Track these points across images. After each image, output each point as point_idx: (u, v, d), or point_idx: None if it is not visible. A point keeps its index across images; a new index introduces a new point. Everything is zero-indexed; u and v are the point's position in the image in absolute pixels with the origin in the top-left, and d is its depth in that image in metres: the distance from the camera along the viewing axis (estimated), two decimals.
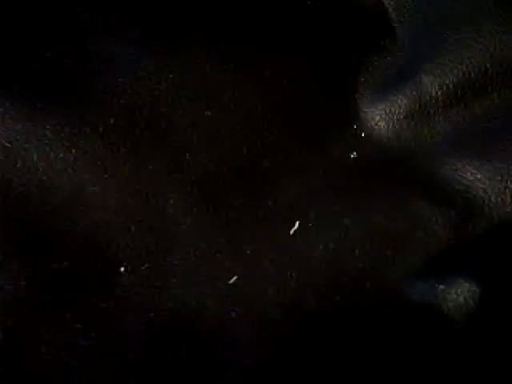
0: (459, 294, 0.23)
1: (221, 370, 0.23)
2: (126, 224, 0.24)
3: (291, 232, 0.25)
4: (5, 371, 0.22)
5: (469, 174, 0.25)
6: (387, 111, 0.27)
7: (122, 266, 0.24)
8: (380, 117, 0.27)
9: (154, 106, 0.26)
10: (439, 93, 0.27)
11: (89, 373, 0.23)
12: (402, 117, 0.27)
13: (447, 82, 0.27)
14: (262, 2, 0.28)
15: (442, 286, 0.23)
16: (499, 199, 0.25)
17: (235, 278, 0.24)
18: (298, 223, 0.25)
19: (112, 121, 0.26)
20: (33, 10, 0.27)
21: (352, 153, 0.27)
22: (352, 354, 0.23)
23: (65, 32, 0.26)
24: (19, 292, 0.23)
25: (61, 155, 0.25)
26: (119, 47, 0.27)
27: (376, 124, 0.27)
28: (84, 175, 0.25)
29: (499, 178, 0.25)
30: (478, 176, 0.25)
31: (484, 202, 0.25)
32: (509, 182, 0.25)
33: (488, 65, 0.27)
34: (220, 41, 0.28)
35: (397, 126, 0.27)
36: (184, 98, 0.27)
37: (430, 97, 0.27)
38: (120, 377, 0.23)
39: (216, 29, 0.28)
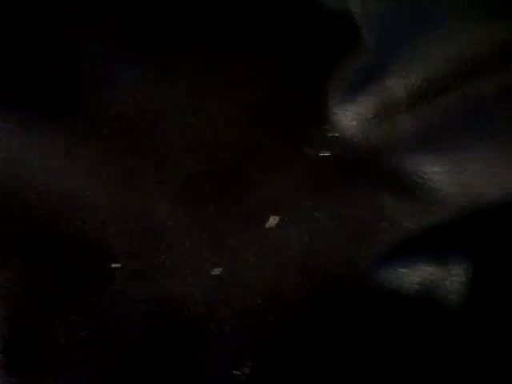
0: (418, 275, 0.25)
1: (207, 354, 0.25)
2: (118, 224, 0.26)
3: (268, 226, 0.27)
4: (13, 362, 0.24)
5: (427, 167, 0.27)
6: (356, 112, 0.29)
7: (116, 262, 0.26)
8: (350, 118, 0.29)
9: (141, 115, 0.28)
10: (403, 93, 0.28)
11: (90, 360, 0.24)
12: (369, 117, 0.28)
13: (410, 83, 0.28)
14: (239, 13, 0.30)
15: (403, 269, 0.25)
16: (454, 189, 0.26)
17: (219, 269, 0.26)
18: (274, 218, 0.27)
19: (103, 130, 0.27)
20: (30, 32, 0.28)
21: (324, 152, 0.28)
22: (327, 336, 0.25)
23: (59, 49, 0.28)
24: (22, 289, 0.25)
25: (57, 163, 0.27)
26: (109, 62, 0.28)
27: (346, 124, 0.29)
28: (78, 181, 0.27)
29: (454, 170, 0.26)
30: (435, 169, 0.27)
31: (441, 192, 0.27)
32: (462, 174, 0.26)
33: (446, 65, 0.28)
34: (201, 51, 0.29)
35: (365, 126, 0.28)
36: (169, 106, 0.28)
37: (395, 97, 0.28)
38: (119, 362, 0.25)
39: (197, 40, 0.29)
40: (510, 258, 0.24)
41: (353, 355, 0.25)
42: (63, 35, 0.29)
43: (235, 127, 0.29)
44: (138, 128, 0.28)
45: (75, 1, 0.30)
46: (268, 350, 0.25)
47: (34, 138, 0.27)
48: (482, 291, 0.24)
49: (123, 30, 0.29)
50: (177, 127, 0.28)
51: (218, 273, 0.26)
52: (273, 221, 0.27)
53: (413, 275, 0.25)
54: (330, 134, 0.29)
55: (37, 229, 0.26)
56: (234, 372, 0.24)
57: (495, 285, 0.24)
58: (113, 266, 0.26)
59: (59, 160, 0.27)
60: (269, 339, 0.25)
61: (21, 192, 0.26)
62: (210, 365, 0.25)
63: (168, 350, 0.25)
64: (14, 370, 0.24)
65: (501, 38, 0.27)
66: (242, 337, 0.25)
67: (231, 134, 0.28)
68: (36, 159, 0.26)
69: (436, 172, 0.27)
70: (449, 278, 0.24)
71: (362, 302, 0.25)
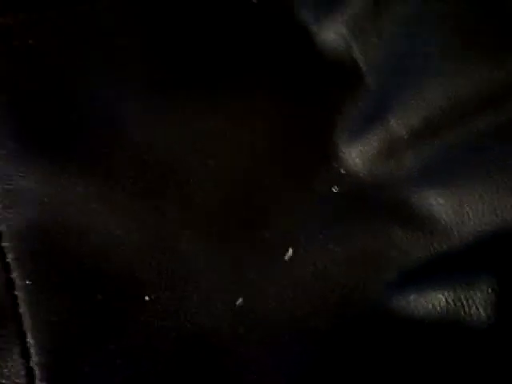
0: (428, 301, 0.26)
1: (236, 379, 0.26)
2: (147, 260, 0.28)
3: (286, 258, 0.28)
4: None
5: (432, 200, 0.29)
6: (362, 150, 0.30)
7: (147, 295, 0.27)
8: (356, 155, 0.30)
9: (163, 156, 0.30)
10: (404, 132, 0.30)
11: None
12: (374, 154, 0.30)
13: (411, 122, 0.29)
14: (245, 55, 0.32)
15: (413, 296, 0.26)
16: (459, 220, 0.28)
17: (240, 300, 0.28)
18: (291, 250, 0.29)
19: (130, 173, 0.29)
20: (60, 87, 0.30)
21: (334, 187, 0.30)
22: (342, 360, 0.27)
23: (86, 100, 0.30)
24: (63, 323, 0.26)
25: (91, 206, 0.28)
26: (130, 110, 0.30)
27: (353, 162, 0.30)
28: (111, 221, 0.28)
29: (458, 202, 0.28)
30: (440, 201, 0.28)
31: (446, 223, 0.28)
32: (466, 205, 0.28)
33: (444, 105, 0.29)
34: (214, 96, 0.31)
35: (370, 163, 0.30)
36: (189, 147, 0.30)
37: (397, 136, 0.30)
38: None
39: (210, 86, 0.31)
40: None
41: (368, 377, 0.26)
42: (84, 86, 0.30)
43: (251, 167, 0.30)
44: (159, 169, 0.29)
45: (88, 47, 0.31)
46: (290, 372, 0.26)
47: (69, 184, 0.28)
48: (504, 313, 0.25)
49: (140, 76, 0.31)
50: (196, 168, 0.30)
51: (241, 302, 0.27)
52: (289, 253, 0.29)
53: (420, 301, 0.26)
54: (339, 171, 0.31)
55: (76, 267, 0.27)
56: None
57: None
58: (145, 298, 0.27)
59: (95, 204, 0.28)
60: (290, 362, 0.27)
61: (61, 234, 0.27)
62: None
63: (199, 378, 0.26)
64: None
65: (495, 78, 0.29)
66: (265, 361, 0.26)
67: (247, 174, 0.30)
68: (73, 204, 0.28)
69: (439, 204, 0.28)
70: (463, 303, 0.26)
71: (374, 327, 0.27)
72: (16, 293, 0.27)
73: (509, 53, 0.29)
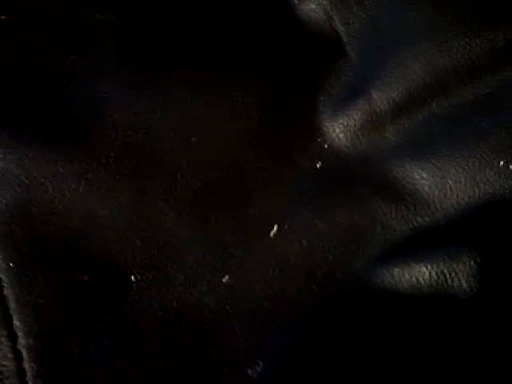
0: (412, 275, 0.26)
1: (222, 355, 0.26)
2: (132, 240, 0.27)
3: (271, 235, 0.28)
4: (46, 370, 0.25)
5: (415, 173, 0.28)
6: (345, 124, 0.30)
7: (132, 275, 0.27)
8: (339, 130, 0.30)
9: (146, 138, 0.29)
10: (387, 106, 0.29)
11: (114, 366, 0.26)
12: (357, 128, 0.30)
13: (393, 95, 0.29)
14: (228, 32, 0.31)
15: (397, 270, 0.26)
16: (441, 194, 0.28)
17: (227, 277, 0.27)
18: (276, 226, 0.28)
19: (113, 154, 0.29)
20: (40, 66, 0.29)
21: (317, 162, 0.30)
22: (330, 334, 0.27)
23: (65, 82, 0.29)
24: (49, 305, 0.26)
25: (73, 186, 0.28)
26: (113, 91, 0.29)
27: (336, 136, 0.30)
28: (94, 201, 0.28)
29: (437, 175, 0.28)
30: (423, 174, 0.28)
31: (429, 196, 0.28)
32: (448, 179, 0.28)
33: (426, 78, 0.29)
34: (196, 76, 0.30)
35: (353, 137, 0.30)
36: (171, 129, 0.29)
37: (380, 109, 0.29)
38: (140, 367, 0.26)
39: (192, 66, 0.31)
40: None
41: (355, 352, 0.26)
42: (72, 74, 0.29)
43: (234, 145, 0.30)
44: (144, 150, 0.29)
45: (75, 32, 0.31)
46: (276, 349, 0.26)
47: (51, 165, 0.28)
48: (489, 285, 0.25)
49: (128, 65, 0.30)
50: (179, 148, 0.29)
51: (227, 280, 0.27)
52: (274, 230, 0.28)
53: (404, 274, 0.26)
54: (323, 146, 0.30)
55: (60, 248, 0.27)
56: (248, 371, 0.26)
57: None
58: (131, 278, 0.27)
59: (76, 184, 0.28)
60: (276, 339, 0.27)
61: (42, 216, 0.27)
62: (225, 365, 0.26)
63: (185, 354, 0.26)
64: (48, 378, 0.25)
65: (473, 50, 0.29)
66: (252, 338, 0.26)
67: (230, 152, 0.30)
68: (54, 184, 0.27)
69: (422, 178, 0.28)
70: (446, 275, 0.26)
71: (360, 301, 0.27)
72: (0, 276, 0.26)
73: (487, 25, 0.29)
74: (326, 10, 0.32)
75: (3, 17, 0.30)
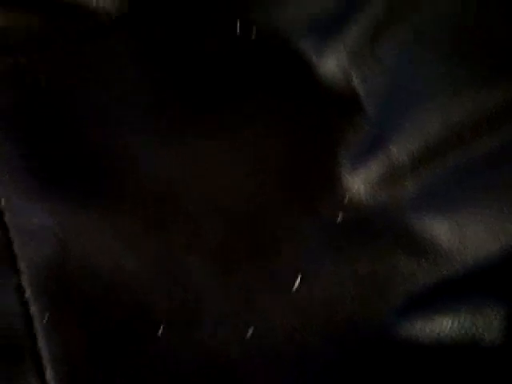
0: (433, 327, 0.26)
1: None
2: (160, 291, 0.28)
3: (295, 285, 0.29)
4: None
5: (434, 226, 0.29)
6: (364, 177, 0.30)
7: (160, 329, 0.27)
8: (359, 182, 0.30)
9: (172, 188, 0.30)
10: (405, 159, 0.30)
11: None
12: (376, 181, 0.30)
13: (411, 148, 0.30)
14: (249, 90, 0.32)
15: (418, 322, 0.27)
16: (461, 246, 0.28)
17: (251, 329, 0.28)
18: (299, 277, 0.29)
19: (140, 205, 0.29)
20: (71, 124, 0.31)
21: (338, 213, 0.30)
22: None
23: (94, 137, 0.30)
24: (81, 358, 0.26)
25: (103, 240, 0.28)
26: (140, 144, 0.30)
27: (356, 188, 0.31)
28: (122, 254, 0.28)
29: (455, 228, 0.28)
30: (441, 226, 0.28)
31: (448, 249, 0.28)
32: (466, 231, 0.28)
33: (442, 131, 0.29)
34: (222, 128, 0.31)
35: (373, 189, 0.30)
36: (195, 178, 0.30)
37: (398, 162, 0.30)
38: None
39: (217, 118, 0.32)
40: None
41: None
42: (99, 127, 0.31)
43: (258, 195, 0.30)
44: (168, 200, 0.30)
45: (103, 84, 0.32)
46: None
47: (83, 219, 0.29)
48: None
49: (149, 111, 0.31)
50: (203, 197, 0.30)
51: (252, 331, 0.28)
52: (298, 281, 0.29)
53: (427, 328, 0.27)
54: (343, 198, 0.31)
55: (92, 302, 0.27)
56: None
57: None
58: (158, 330, 0.27)
59: (105, 237, 0.28)
60: None
61: (76, 269, 0.28)
62: None
63: None
64: None
65: (488, 103, 0.29)
66: None
67: (254, 201, 0.30)
68: (87, 238, 0.28)
69: (441, 230, 0.28)
70: (467, 329, 0.26)
71: (381, 354, 0.27)
72: (35, 327, 0.27)
73: (501, 77, 0.29)
74: (345, 68, 0.32)
75: (43, 80, 0.31)
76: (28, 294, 0.27)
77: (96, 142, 0.30)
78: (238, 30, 0.32)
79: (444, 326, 0.26)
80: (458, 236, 0.28)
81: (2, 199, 0.29)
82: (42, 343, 0.27)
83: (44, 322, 0.27)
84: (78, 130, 0.31)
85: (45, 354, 0.26)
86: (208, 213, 0.30)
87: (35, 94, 0.31)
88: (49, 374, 0.26)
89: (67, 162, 0.30)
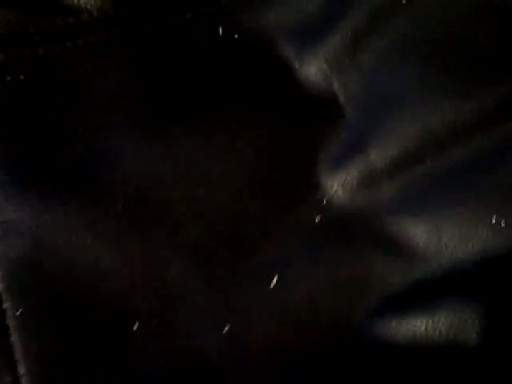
0: (408, 328, 0.26)
1: None
2: (136, 289, 0.28)
3: (271, 286, 0.28)
4: None
5: (410, 228, 0.29)
6: (343, 181, 0.30)
7: (135, 325, 0.27)
8: (337, 185, 0.30)
9: (154, 188, 0.30)
10: (383, 163, 0.30)
11: None
12: (355, 184, 0.30)
13: (389, 153, 0.30)
14: (229, 92, 0.32)
15: (394, 322, 0.27)
16: (437, 248, 0.28)
17: (228, 327, 0.27)
18: (276, 277, 0.29)
19: (120, 205, 0.29)
20: (51, 121, 0.30)
21: (316, 217, 0.30)
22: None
23: (76, 135, 0.30)
24: (54, 354, 0.26)
25: (81, 236, 0.28)
26: (123, 143, 0.30)
27: (334, 191, 0.31)
28: (100, 251, 0.28)
29: (432, 231, 0.28)
30: (418, 230, 0.29)
31: (425, 251, 0.28)
32: (442, 234, 0.28)
33: (420, 137, 0.30)
34: (204, 129, 0.31)
35: (351, 192, 0.30)
36: (178, 180, 0.30)
37: (376, 167, 0.30)
38: None
39: (200, 119, 0.31)
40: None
41: None
42: (82, 128, 0.30)
43: (238, 197, 0.30)
44: (151, 201, 0.29)
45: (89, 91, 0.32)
46: None
47: (61, 217, 0.28)
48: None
49: (134, 112, 0.31)
50: (185, 197, 0.30)
51: (228, 330, 0.27)
52: (275, 280, 0.29)
53: (402, 328, 0.27)
54: (321, 201, 0.31)
55: (67, 298, 0.27)
56: None
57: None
58: (134, 328, 0.27)
59: (84, 234, 0.28)
60: None
61: (51, 265, 0.27)
62: None
63: None
64: None
65: (465, 110, 0.30)
66: None
67: (235, 203, 0.30)
68: (64, 234, 0.28)
69: (417, 233, 0.29)
70: (441, 329, 0.26)
71: (359, 354, 0.27)
72: (7, 322, 0.26)
73: (476, 87, 0.30)
74: (326, 74, 0.33)
75: (22, 77, 0.31)
76: (1, 288, 0.27)
77: (76, 139, 0.30)
78: (221, 30, 0.32)
79: (419, 326, 0.26)
80: (434, 238, 0.28)
81: None
82: (14, 338, 0.26)
83: (17, 317, 0.26)
84: (57, 127, 0.30)
85: (17, 349, 0.26)
86: (187, 213, 0.29)
87: (13, 91, 0.31)
88: (21, 369, 0.25)
89: (45, 159, 0.29)
